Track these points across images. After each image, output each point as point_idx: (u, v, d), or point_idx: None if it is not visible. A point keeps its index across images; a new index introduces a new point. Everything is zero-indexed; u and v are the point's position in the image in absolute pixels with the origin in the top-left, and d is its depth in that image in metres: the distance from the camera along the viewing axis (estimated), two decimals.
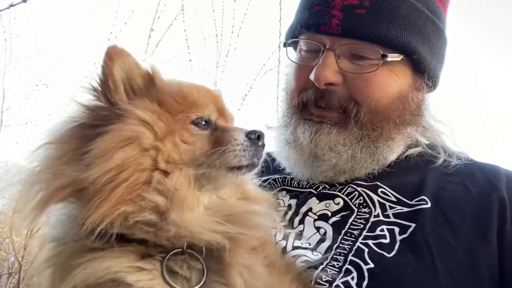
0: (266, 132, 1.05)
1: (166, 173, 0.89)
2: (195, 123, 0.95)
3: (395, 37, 1.22)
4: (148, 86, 0.94)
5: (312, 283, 1.03)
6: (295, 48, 1.43)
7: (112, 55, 0.89)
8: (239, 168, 0.96)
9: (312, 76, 1.25)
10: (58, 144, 0.90)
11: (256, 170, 1.01)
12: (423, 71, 1.30)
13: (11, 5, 1.24)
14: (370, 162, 1.26)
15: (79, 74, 3.12)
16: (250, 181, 1.10)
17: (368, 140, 1.25)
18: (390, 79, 1.26)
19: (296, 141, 1.29)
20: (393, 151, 1.30)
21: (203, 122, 0.96)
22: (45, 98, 3.30)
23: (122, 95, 0.91)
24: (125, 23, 3.04)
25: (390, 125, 1.26)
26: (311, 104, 1.29)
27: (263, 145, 1.00)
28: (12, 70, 3.32)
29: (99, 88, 0.92)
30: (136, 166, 0.86)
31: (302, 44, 1.35)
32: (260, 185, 1.21)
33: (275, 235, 1.14)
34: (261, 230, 0.99)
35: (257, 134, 0.98)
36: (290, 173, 1.37)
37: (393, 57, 1.23)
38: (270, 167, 1.42)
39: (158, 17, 3.08)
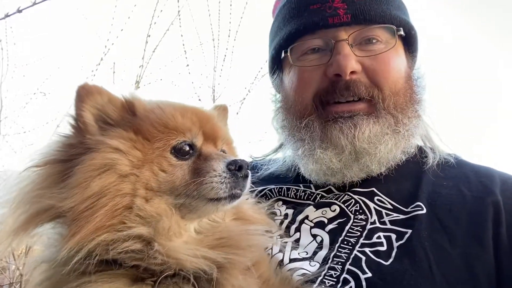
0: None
1: (146, 200, 0.88)
2: (176, 150, 0.92)
3: (397, 15, 1.29)
4: (124, 116, 0.92)
5: None
6: (284, 61, 1.40)
7: (81, 95, 0.88)
8: (218, 199, 0.92)
9: (334, 69, 1.23)
10: (42, 169, 0.90)
11: (238, 200, 0.95)
12: (415, 48, 1.38)
13: (7, 16, 1.23)
14: (409, 146, 1.28)
15: (77, 82, 3.12)
16: (245, 201, 1.08)
17: (403, 125, 1.25)
18: (399, 60, 1.31)
19: (333, 144, 1.24)
20: (417, 134, 1.33)
21: (187, 148, 0.93)
22: (43, 107, 3.30)
23: (94, 131, 0.90)
24: (122, 30, 3.04)
25: (411, 105, 1.29)
26: (334, 101, 1.26)
27: (246, 176, 0.94)
28: (9, 79, 3.32)
29: (73, 125, 0.92)
30: (116, 192, 0.85)
31: (303, 48, 1.32)
32: (256, 196, 1.22)
33: (271, 248, 1.13)
34: (255, 250, 0.98)
35: (238, 165, 0.92)
36: (314, 181, 1.32)
37: (401, 32, 1.29)
38: (265, 177, 1.42)
39: (155, 23, 3.09)
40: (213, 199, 0.91)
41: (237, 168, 0.92)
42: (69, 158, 0.88)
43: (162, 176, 0.89)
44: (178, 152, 0.92)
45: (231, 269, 0.90)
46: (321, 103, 1.28)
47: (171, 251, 0.84)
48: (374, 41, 1.27)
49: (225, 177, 0.91)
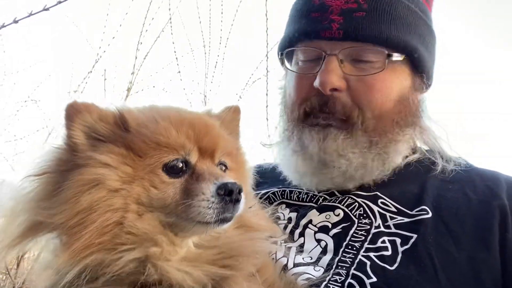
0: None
1: (139, 214, 0.86)
2: (167, 167, 0.88)
3: (396, 37, 1.23)
4: (116, 132, 0.89)
5: None
6: (289, 60, 1.42)
7: (70, 114, 0.86)
8: (206, 223, 0.88)
9: (317, 82, 1.23)
10: (39, 178, 0.89)
11: (230, 223, 0.93)
12: (422, 70, 1.32)
13: (3, 26, 1.25)
14: (381, 169, 1.26)
15: (68, 89, 3.12)
16: (248, 209, 1.06)
17: (377, 147, 1.24)
18: (392, 82, 1.26)
19: (304, 149, 1.26)
20: (401, 154, 1.30)
21: (180, 165, 0.90)
22: (35, 114, 3.28)
23: (84, 148, 0.87)
24: (113, 37, 3.05)
25: (395, 129, 1.27)
26: (315, 112, 1.27)
27: (236, 200, 0.89)
28: None
29: (64, 142, 0.90)
30: (106, 207, 0.83)
31: (300, 53, 1.33)
32: (260, 198, 1.22)
33: (276, 253, 1.12)
34: (259, 256, 0.97)
35: (227, 190, 0.87)
36: (296, 185, 1.34)
37: (396, 57, 1.24)
38: (269, 179, 1.42)
39: (146, 30, 3.10)
40: (201, 222, 0.88)
41: (226, 193, 0.87)
42: (61, 172, 0.87)
43: (153, 192, 0.87)
44: (170, 169, 0.89)
45: (235, 277, 0.89)
46: (305, 112, 1.30)
47: (166, 271, 0.82)
48: (366, 60, 1.25)
49: (213, 202, 0.87)
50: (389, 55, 1.23)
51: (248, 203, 1.07)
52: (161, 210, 0.88)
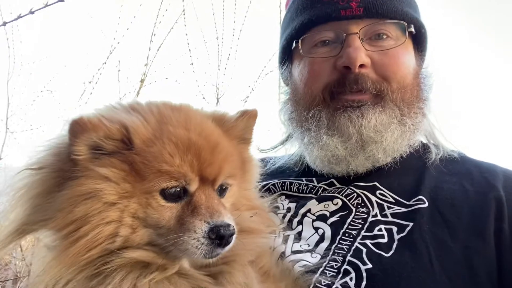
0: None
1: (133, 229, 0.86)
2: (165, 193, 0.87)
3: (409, 12, 1.30)
4: (121, 148, 0.87)
5: (311, 287, 1.03)
6: (287, 58, 1.43)
7: (75, 131, 0.83)
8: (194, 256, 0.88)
9: (344, 61, 1.25)
10: (37, 173, 0.88)
11: (214, 259, 0.91)
12: (424, 47, 1.38)
13: (19, 17, 1.27)
14: (414, 140, 1.30)
15: (83, 79, 3.17)
16: (246, 215, 1.05)
17: (410, 117, 1.27)
18: (408, 56, 1.32)
19: (341, 131, 1.26)
20: (422, 130, 1.35)
21: (178, 191, 0.88)
22: (50, 104, 3.34)
23: (86, 162, 0.85)
24: (127, 29, 3.08)
25: (416, 102, 1.31)
26: (344, 92, 1.27)
27: (227, 243, 0.88)
28: (16, 77, 3.36)
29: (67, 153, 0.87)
30: (100, 220, 0.83)
31: (316, 38, 1.33)
32: (260, 190, 1.22)
33: (274, 239, 1.14)
34: (256, 250, 0.99)
35: (219, 235, 0.86)
36: (329, 172, 1.32)
37: (412, 29, 1.30)
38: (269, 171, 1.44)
39: (160, 22, 3.12)
40: (189, 255, 0.89)
41: (217, 238, 0.86)
42: (59, 175, 0.87)
43: (150, 211, 0.86)
44: (168, 195, 0.87)
45: (234, 264, 0.92)
46: (331, 94, 1.30)
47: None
48: (384, 36, 1.28)
49: (203, 243, 0.85)
50: (408, 27, 1.29)
51: (251, 206, 1.08)
52: (154, 229, 0.87)
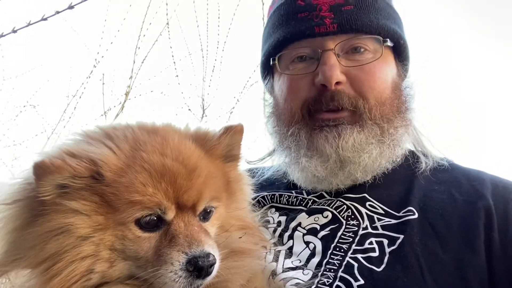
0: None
1: (110, 263, 0.83)
2: (140, 223, 0.84)
3: (385, 25, 1.29)
4: (91, 183, 0.83)
5: None
6: (268, 73, 1.44)
7: (39, 174, 0.81)
8: None
9: (320, 78, 1.25)
10: (10, 208, 0.85)
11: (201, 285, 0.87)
12: (405, 57, 1.38)
13: (1, 35, 1.27)
14: (395, 157, 1.29)
15: (67, 93, 3.14)
16: (235, 236, 1.03)
17: (389, 134, 1.27)
18: (386, 69, 1.31)
19: (319, 152, 1.26)
20: (405, 141, 1.34)
21: (154, 220, 0.85)
22: (33, 119, 3.29)
23: (53, 200, 0.82)
24: (111, 42, 3.07)
25: (397, 115, 1.30)
26: (321, 110, 1.27)
27: (206, 275, 0.85)
28: None
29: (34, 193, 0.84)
30: (73, 256, 0.80)
31: (292, 55, 1.33)
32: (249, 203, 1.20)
33: (265, 257, 1.13)
34: (248, 273, 0.97)
35: (197, 268, 0.83)
36: (311, 189, 1.32)
37: (389, 43, 1.30)
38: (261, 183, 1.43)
39: (144, 35, 3.12)
40: None
41: (196, 270, 0.83)
42: (32, 212, 0.84)
43: (127, 243, 0.84)
44: (143, 224, 0.84)
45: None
46: (309, 111, 1.30)
47: None
48: (361, 50, 1.28)
49: (180, 276, 0.82)
50: (384, 41, 1.29)
51: (242, 225, 1.05)
52: (133, 261, 0.85)
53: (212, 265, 0.85)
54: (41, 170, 0.80)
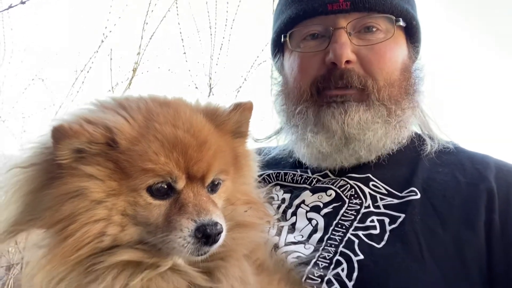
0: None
1: (122, 227, 0.86)
2: (152, 190, 0.86)
3: (398, 5, 1.28)
4: (106, 149, 0.85)
5: (304, 279, 1.05)
6: (278, 50, 1.43)
7: (57, 138, 0.82)
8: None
9: (331, 57, 1.25)
10: (26, 171, 0.87)
11: (204, 256, 0.90)
12: (417, 39, 1.37)
13: (10, 7, 1.27)
14: (401, 138, 1.29)
15: (75, 68, 3.15)
16: (240, 209, 1.04)
17: (396, 116, 1.27)
18: (397, 50, 1.31)
19: (325, 128, 1.27)
20: (412, 124, 1.34)
21: (165, 188, 0.87)
22: (41, 92, 3.32)
23: (69, 164, 0.84)
24: (119, 17, 3.05)
25: (405, 97, 1.30)
26: (329, 88, 1.28)
27: (214, 242, 0.87)
28: (7, 64, 3.33)
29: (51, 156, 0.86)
30: (87, 218, 0.83)
31: (303, 32, 1.33)
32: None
33: (269, 231, 1.15)
34: (251, 244, 0.99)
35: (205, 235, 0.85)
36: (316, 167, 1.33)
37: (402, 22, 1.29)
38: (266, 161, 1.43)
39: (152, 11, 3.10)
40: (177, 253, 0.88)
41: (204, 237, 0.85)
42: (49, 175, 0.86)
43: (138, 209, 0.86)
44: (155, 192, 0.87)
45: (229, 258, 0.93)
46: (318, 89, 1.30)
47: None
48: (373, 29, 1.28)
49: (189, 242, 0.85)
50: (397, 21, 1.28)
51: (247, 200, 1.07)
52: (144, 226, 0.87)
53: (219, 233, 0.87)
54: (59, 134, 0.82)
